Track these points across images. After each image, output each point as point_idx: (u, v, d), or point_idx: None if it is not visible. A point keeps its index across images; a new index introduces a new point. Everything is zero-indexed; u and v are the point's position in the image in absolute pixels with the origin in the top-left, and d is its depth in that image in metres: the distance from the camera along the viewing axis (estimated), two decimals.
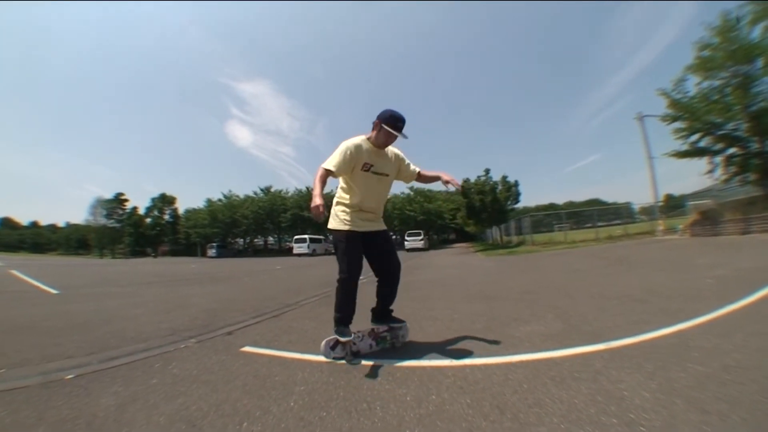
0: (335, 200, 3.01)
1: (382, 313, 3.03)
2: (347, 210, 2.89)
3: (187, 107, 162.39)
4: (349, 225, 2.84)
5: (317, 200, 2.57)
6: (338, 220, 2.89)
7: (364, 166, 2.82)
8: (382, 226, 3.05)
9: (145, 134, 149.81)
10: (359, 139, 2.87)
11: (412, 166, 3.18)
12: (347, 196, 2.93)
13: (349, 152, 2.76)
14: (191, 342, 3.40)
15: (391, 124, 2.76)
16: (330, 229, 2.94)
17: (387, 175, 2.99)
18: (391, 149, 3.03)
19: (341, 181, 2.96)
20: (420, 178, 3.23)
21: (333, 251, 3.02)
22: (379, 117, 2.82)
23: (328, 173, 2.76)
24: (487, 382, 2.16)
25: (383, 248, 2.98)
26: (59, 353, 3.10)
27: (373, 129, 2.87)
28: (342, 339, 2.74)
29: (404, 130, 2.83)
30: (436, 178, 3.20)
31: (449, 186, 3.06)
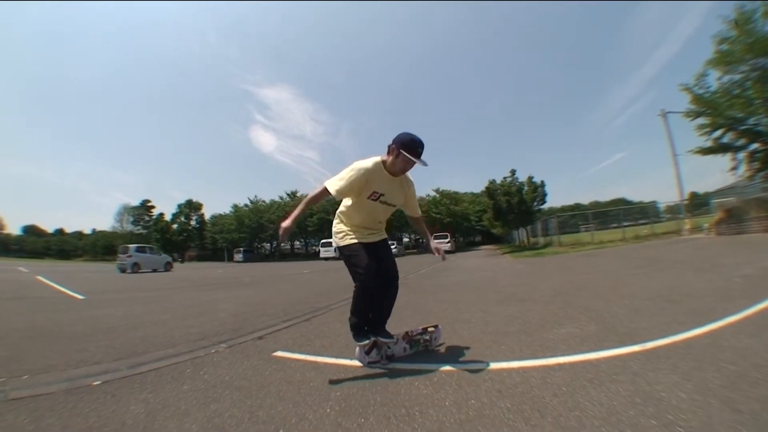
0: (338, 215, 2.89)
1: (375, 324, 2.79)
2: (349, 227, 2.80)
3: (211, 114, 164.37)
4: (357, 239, 2.73)
5: (288, 221, 2.56)
6: (342, 235, 2.79)
7: (372, 195, 2.66)
8: (384, 236, 2.94)
9: (170, 142, 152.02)
10: (372, 162, 2.64)
11: (417, 206, 3.06)
12: (349, 215, 2.81)
13: (356, 177, 2.58)
14: (222, 347, 3.40)
15: (410, 149, 2.54)
16: (339, 247, 2.83)
17: (394, 206, 2.86)
18: (407, 176, 2.86)
19: (348, 206, 2.81)
20: (415, 221, 3.13)
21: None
22: (396, 141, 2.59)
23: (325, 194, 2.63)
24: (525, 385, 2.14)
25: (382, 256, 2.80)
26: (85, 359, 3.08)
27: (389, 153, 2.65)
28: (359, 343, 2.72)
29: (422, 156, 2.62)
30: (426, 236, 3.12)
31: (438, 254, 3.01)
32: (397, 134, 2.64)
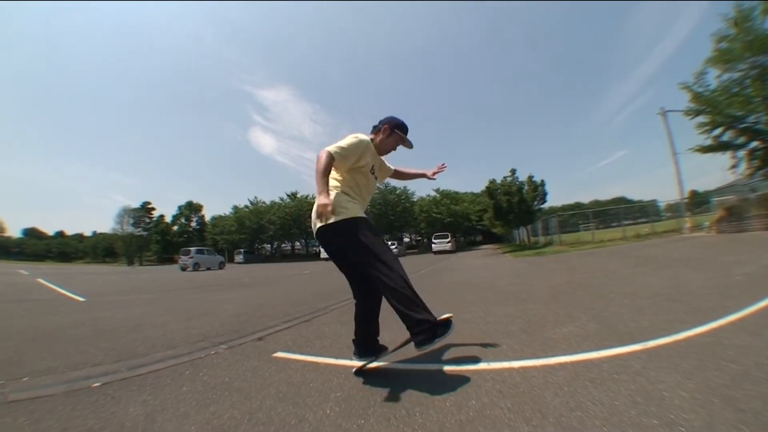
0: (341, 190, 2.49)
1: (370, 341, 2.62)
2: (355, 200, 2.51)
3: (211, 116, 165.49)
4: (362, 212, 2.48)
5: (324, 198, 2.21)
6: (353, 207, 2.43)
7: (372, 168, 2.65)
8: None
9: (170, 144, 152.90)
10: (367, 136, 2.64)
11: (389, 165, 2.98)
12: (359, 190, 2.58)
13: (357, 145, 2.47)
14: (221, 348, 3.40)
15: (404, 131, 2.67)
16: (346, 220, 2.36)
17: (377, 180, 2.85)
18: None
19: (346, 177, 2.54)
20: (397, 174, 3.04)
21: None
22: (388, 123, 2.67)
23: (330, 161, 2.35)
24: (526, 385, 2.12)
25: None
26: (85, 361, 3.08)
27: (378, 132, 2.69)
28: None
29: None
30: (420, 176, 3.09)
31: (435, 175, 2.99)
32: (385, 117, 2.73)
